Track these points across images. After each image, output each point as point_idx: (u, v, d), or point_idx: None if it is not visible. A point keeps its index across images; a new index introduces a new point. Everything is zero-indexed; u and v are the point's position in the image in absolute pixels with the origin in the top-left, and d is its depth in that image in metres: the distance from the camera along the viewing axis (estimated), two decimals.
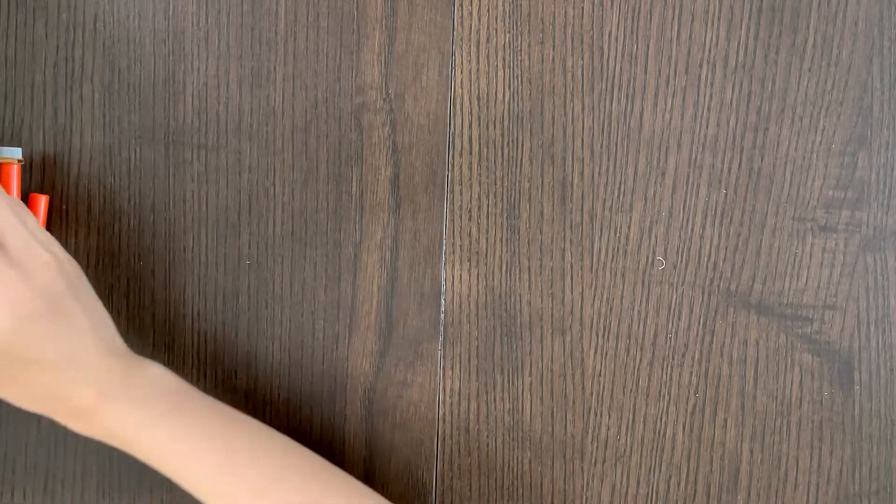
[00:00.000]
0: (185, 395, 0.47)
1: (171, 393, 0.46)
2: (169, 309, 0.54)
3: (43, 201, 0.52)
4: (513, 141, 0.53)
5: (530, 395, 0.53)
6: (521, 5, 0.53)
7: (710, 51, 0.53)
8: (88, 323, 0.46)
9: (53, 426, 0.53)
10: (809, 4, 0.53)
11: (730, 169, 0.53)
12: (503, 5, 0.53)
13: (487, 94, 0.53)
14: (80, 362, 0.45)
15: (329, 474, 0.47)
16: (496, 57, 0.53)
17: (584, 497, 0.53)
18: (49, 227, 0.53)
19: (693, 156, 0.53)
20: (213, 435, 0.46)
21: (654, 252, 0.53)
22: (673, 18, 0.53)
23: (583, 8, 0.53)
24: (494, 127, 0.53)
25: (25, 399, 0.45)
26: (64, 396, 0.44)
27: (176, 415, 0.45)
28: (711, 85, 0.53)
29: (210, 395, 0.48)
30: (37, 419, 0.53)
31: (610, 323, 0.53)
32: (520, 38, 0.53)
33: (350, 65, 0.53)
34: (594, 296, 0.53)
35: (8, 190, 0.51)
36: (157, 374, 0.47)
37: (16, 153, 0.52)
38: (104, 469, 0.53)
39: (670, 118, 0.53)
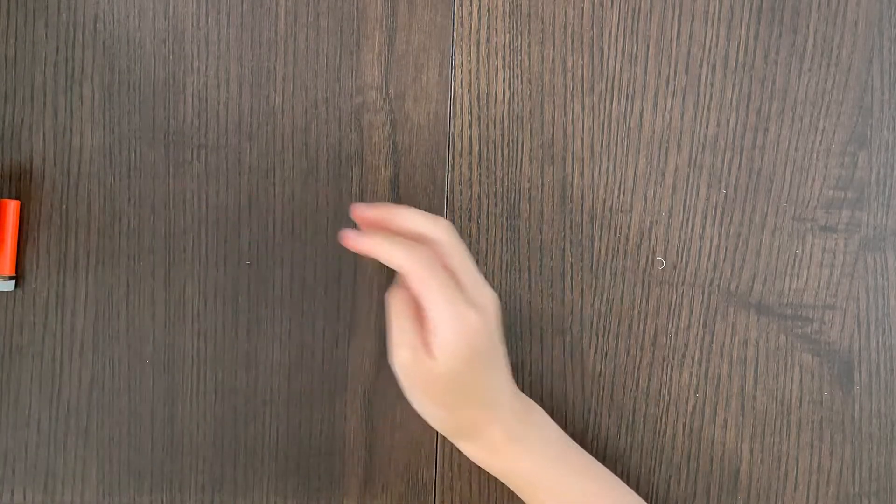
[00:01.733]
0: (565, 444, 0.50)
1: (555, 441, 0.50)
2: (169, 309, 0.54)
3: (13, 207, 0.52)
4: (513, 141, 0.53)
5: (530, 394, 0.53)
6: (521, 5, 0.53)
7: (710, 51, 0.53)
8: (505, 363, 0.49)
9: (53, 427, 0.53)
10: (809, 4, 0.53)
11: (730, 169, 0.53)
12: (503, 5, 0.53)
13: (487, 94, 0.53)
14: (497, 403, 0.48)
15: None
16: (496, 57, 0.53)
17: None
18: (21, 231, 0.53)
19: (693, 156, 0.53)
20: (586, 487, 0.49)
21: (654, 252, 0.53)
22: (673, 18, 0.53)
23: (583, 8, 0.53)
24: (494, 127, 0.53)
25: (446, 425, 0.49)
26: (479, 431, 0.48)
27: (559, 464, 0.49)
28: (711, 85, 0.53)
29: (579, 447, 0.51)
30: (36, 421, 0.53)
31: (610, 323, 0.53)
32: (520, 38, 0.53)
33: (350, 65, 0.53)
34: (594, 296, 0.53)
35: None
36: (543, 422, 0.50)
37: None
38: (104, 469, 0.53)
39: (670, 118, 0.53)
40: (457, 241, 0.48)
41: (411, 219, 0.48)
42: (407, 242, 0.47)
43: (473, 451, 0.49)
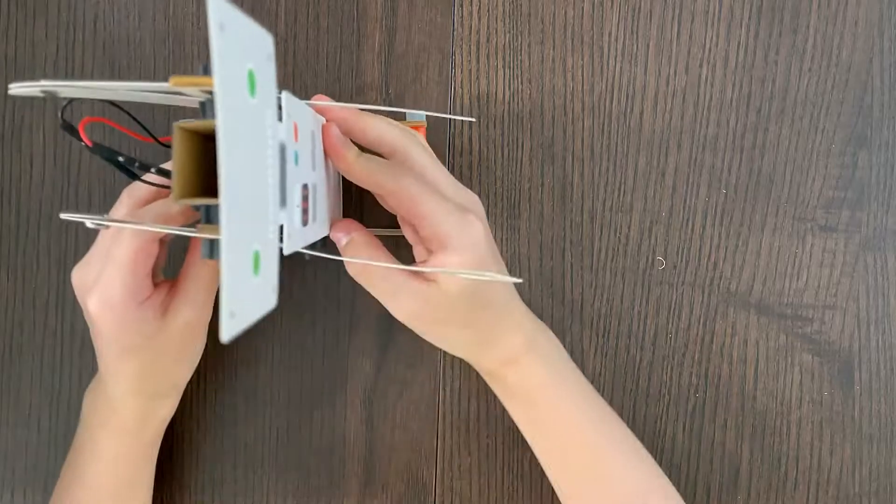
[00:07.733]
0: (573, 364, 0.49)
1: (567, 359, 0.49)
2: None
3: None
4: (513, 141, 0.53)
5: None
6: (521, 5, 0.53)
7: (710, 51, 0.53)
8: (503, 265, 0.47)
9: (53, 427, 0.53)
10: (809, 4, 0.53)
11: (730, 169, 0.53)
12: (503, 5, 0.53)
13: (487, 94, 0.53)
14: (513, 307, 0.46)
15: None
16: (496, 57, 0.53)
17: None
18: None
19: (693, 156, 0.53)
20: (593, 405, 0.48)
21: (654, 252, 0.53)
22: (673, 18, 0.53)
23: (583, 8, 0.53)
24: (494, 127, 0.53)
25: (469, 341, 0.46)
26: (498, 338, 0.46)
27: (569, 381, 0.47)
28: (711, 85, 0.53)
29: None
30: (36, 421, 0.53)
31: (610, 323, 0.53)
32: (520, 38, 0.53)
33: (350, 65, 0.53)
34: (594, 296, 0.53)
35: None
36: (553, 337, 0.49)
37: (421, 117, 0.51)
38: None
39: (670, 118, 0.53)
40: (423, 146, 0.44)
41: (377, 127, 0.42)
42: (400, 129, 0.42)
43: (489, 361, 0.46)
